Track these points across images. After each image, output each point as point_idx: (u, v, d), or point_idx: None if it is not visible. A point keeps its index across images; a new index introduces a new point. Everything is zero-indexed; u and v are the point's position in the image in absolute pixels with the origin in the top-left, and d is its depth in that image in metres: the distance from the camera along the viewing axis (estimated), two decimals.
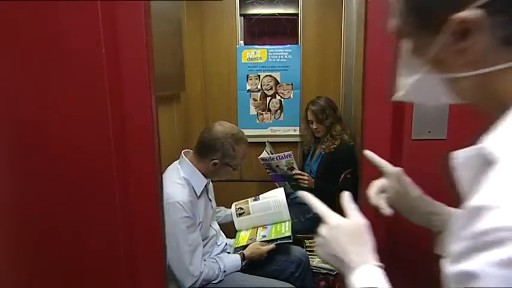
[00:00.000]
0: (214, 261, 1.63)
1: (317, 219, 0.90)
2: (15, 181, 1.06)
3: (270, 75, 2.93)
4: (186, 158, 1.64)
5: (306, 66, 2.94)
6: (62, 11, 0.96)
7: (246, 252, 1.68)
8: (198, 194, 1.60)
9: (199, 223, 1.59)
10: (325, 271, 1.83)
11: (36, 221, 1.07)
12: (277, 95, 2.94)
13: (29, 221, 1.08)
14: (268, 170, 2.51)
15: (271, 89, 2.94)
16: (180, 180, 1.57)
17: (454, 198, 1.05)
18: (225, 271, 1.60)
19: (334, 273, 1.81)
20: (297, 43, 2.92)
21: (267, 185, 2.51)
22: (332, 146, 2.37)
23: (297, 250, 1.82)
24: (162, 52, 2.09)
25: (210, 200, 1.76)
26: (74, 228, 1.07)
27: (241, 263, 1.64)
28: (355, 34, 2.63)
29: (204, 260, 1.60)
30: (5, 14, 0.96)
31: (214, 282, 1.58)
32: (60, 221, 1.07)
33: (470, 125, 0.97)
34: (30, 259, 1.10)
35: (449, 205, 0.88)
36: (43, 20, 0.97)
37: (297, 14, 2.89)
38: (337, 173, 2.31)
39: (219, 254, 1.73)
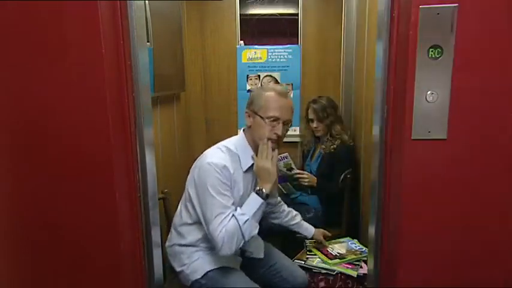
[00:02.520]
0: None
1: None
2: (15, 181, 1.06)
3: (270, 75, 2.94)
4: (242, 133, 1.64)
5: (305, 66, 2.95)
6: (62, 11, 0.96)
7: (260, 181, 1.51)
8: (244, 169, 1.55)
9: (241, 196, 1.53)
10: (325, 271, 1.82)
11: (35, 220, 1.07)
12: None
13: (28, 221, 1.08)
14: None
15: None
16: (223, 148, 1.56)
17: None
18: (244, 214, 1.44)
19: (334, 273, 1.81)
20: (297, 43, 2.92)
21: None
22: (332, 146, 2.38)
23: (299, 276, 1.71)
24: (162, 52, 2.09)
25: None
26: (73, 228, 1.07)
27: (261, 195, 1.47)
28: (355, 34, 2.63)
29: None
30: (6, 15, 0.96)
31: (245, 231, 1.42)
32: (60, 221, 1.07)
33: (470, 125, 0.97)
34: (28, 259, 1.10)
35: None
36: (43, 21, 0.97)
37: (297, 14, 2.90)
38: (336, 173, 2.31)
39: None
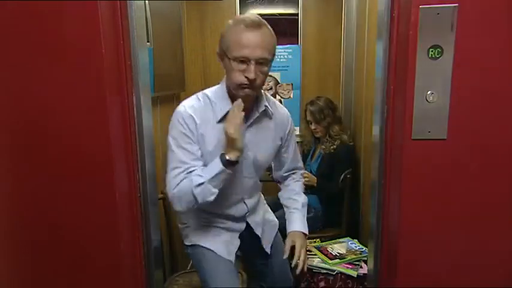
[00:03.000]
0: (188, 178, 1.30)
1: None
2: (15, 181, 1.06)
3: (270, 75, 2.93)
4: (224, 78, 1.38)
5: (306, 66, 2.95)
6: (62, 11, 0.96)
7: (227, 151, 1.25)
8: (218, 118, 1.31)
9: (211, 152, 1.31)
10: (325, 271, 1.83)
11: (35, 220, 1.07)
12: (277, 95, 2.94)
13: (28, 221, 1.08)
14: (268, 172, 2.51)
15: (271, 89, 2.94)
16: (200, 95, 1.39)
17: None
18: (201, 176, 1.26)
19: (334, 273, 1.81)
20: (297, 43, 2.92)
21: (268, 185, 2.51)
22: (332, 147, 2.38)
23: (286, 279, 1.59)
24: (162, 52, 2.09)
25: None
26: (73, 228, 1.07)
27: (222, 161, 1.24)
28: (355, 34, 2.63)
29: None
30: (6, 15, 0.96)
31: (198, 194, 1.26)
32: (60, 221, 1.07)
33: (470, 125, 0.97)
34: (28, 259, 1.10)
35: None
36: (44, 21, 0.97)
37: (297, 14, 2.90)
38: (336, 173, 2.31)
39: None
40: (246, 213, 1.49)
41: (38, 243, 1.09)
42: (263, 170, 1.54)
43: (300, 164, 1.66)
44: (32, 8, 0.95)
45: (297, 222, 1.52)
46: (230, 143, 1.25)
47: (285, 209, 1.59)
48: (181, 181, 1.27)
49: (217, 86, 1.41)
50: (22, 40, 0.97)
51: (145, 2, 1.70)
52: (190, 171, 1.28)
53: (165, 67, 2.17)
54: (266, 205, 1.65)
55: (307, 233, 1.51)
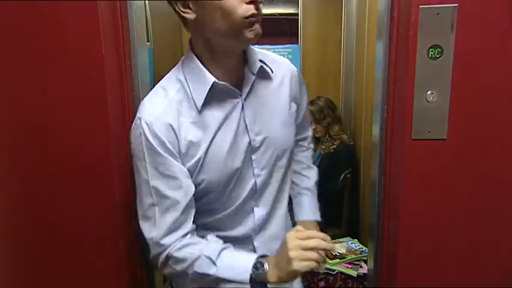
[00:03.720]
0: (211, 255, 0.87)
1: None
2: (15, 181, 1.06)
3: None
4: (188, 47, 0.97)
5: (306, 66, 2.95)
6: (62, 11, 0.96)
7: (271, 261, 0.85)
8: (199, 106, 0.91)
9: (197, 164, 0.91)
10: (325, 271, 1.83)
11: (35, 220, 1.07)
12: None
13: (28, 221, 1.08)
14: None
15: None
16: (167, 82, 0.97)
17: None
18: (212, 262, 0.87)
19: (334, 272, 1.81)
20: (297, 43, 2.92)
21: None
22: (332, 147, 2.38)
23: None
24: (162, 52, 2.09)
25: (247, 128, 0.95)
26: (73, 228, 1.07)
27: (250, 277, 0.83)
28: (355, 34, 2.63)
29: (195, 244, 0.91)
30: (6, 15, 0.96)
31: (192, 275, 0.89)
32: (60, 221, 1.07)
33: (470, 125, 0.97)
34: (28, 259, 1.10)
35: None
36: (43, 21, 0.96)
37: (297, 14, 2.90)
38: (336, 173, 2.31)
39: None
40: (252, 231, 1.02)
41: (38, 243, 1.09)
42: (286, 160, 1.05)
43: (309, 132, 1.34)
44: (32, 8, 0.95)
45: (308, 208, 1.25)
46: (287, 273, 0.82)
47: (292, 184, 1.24)
48: (172, 232, 0.90)
49: (183, 60, 0.98)
50: (22, 40, 0.97)
51: (145, 2, 1.69)
52: (186, 233, 0.91)
53: (165, 67, 2.17)
54: (288, 221, 1.18)
55: (319, 219, 1.25)
